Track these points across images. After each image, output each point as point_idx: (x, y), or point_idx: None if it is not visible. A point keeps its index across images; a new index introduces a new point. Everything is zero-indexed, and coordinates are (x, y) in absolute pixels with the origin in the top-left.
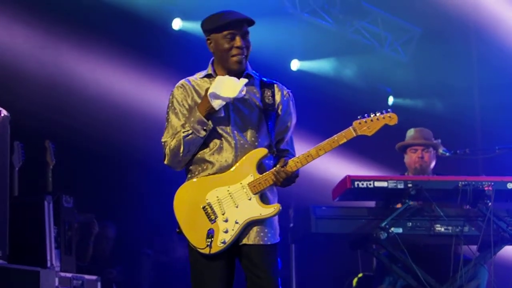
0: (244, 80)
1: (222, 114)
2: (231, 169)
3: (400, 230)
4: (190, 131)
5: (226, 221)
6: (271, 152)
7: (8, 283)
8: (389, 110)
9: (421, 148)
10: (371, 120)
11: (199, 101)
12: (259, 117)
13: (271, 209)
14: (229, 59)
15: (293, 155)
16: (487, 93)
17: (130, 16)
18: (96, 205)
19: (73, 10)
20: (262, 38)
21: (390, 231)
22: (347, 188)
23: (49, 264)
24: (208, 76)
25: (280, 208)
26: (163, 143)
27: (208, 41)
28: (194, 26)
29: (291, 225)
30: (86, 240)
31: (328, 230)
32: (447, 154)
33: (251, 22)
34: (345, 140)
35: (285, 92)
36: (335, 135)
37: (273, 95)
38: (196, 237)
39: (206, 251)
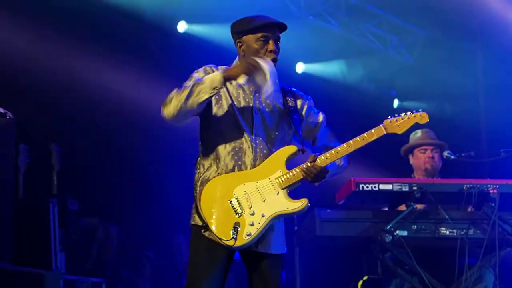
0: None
1: (254, 111)
2: (260, 165)
3: (405, 233)
4: (202, 81)
5: (253, 214)
6: (299, 150)
7: (14, 286)
8: (420, 109)
9: (430, 148)
10: (402, 119)
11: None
12: (282, 120)
13: (299, 204)
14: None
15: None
16: (492, 96)
17: (135, 19)
18: (100, 208)
19: (77, 13)
20: None
21: (395, 234)
22: (352, 191)
23: (54, 267)
24: None
25: (308, 203)
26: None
27: (239, 43)
28: (199, 29)
29: (296, 228)
30: (91, 244)
31: (333, 233)
32: (452, 157)
33: (283, 28)
34: (375, 137)
35: (304, 97)
36: (364, 133)
37: (294, 100)
38: (222, 230)
39: (231, 243)
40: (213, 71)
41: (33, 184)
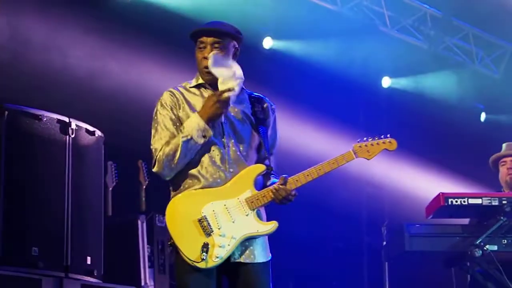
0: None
1: (223, 120)
2: (228, 184)
3: (495, 248)
4: (189, 137)
5: (223, 236)
6: (267, 168)
7: None
8: (388, 135)
9: (510, 159)
10: (371, 145)
11: (190, 113)
12: (251, 131)
13: (269, 226)
14: (201, 70)
15: (276, 173)
16: None
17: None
18: None
19: (152, 27)
20: (353, 55)
21: (485, 248)
22: (441, 206)
23: (143, 283)
24: (199, 86)
25: (277, 225)
26: (153, 150)
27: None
28: (285, 45)
29: (384, 243)
30: None
31: (422, 247)
32: None
33: (222, 33)
34: (344, 162)
35: (272, 107)
36: (336, 157)
37: (263, 110)
38: (190, 250)
39: (202, 265)
40: (177, 99)
41: (122, 201)
